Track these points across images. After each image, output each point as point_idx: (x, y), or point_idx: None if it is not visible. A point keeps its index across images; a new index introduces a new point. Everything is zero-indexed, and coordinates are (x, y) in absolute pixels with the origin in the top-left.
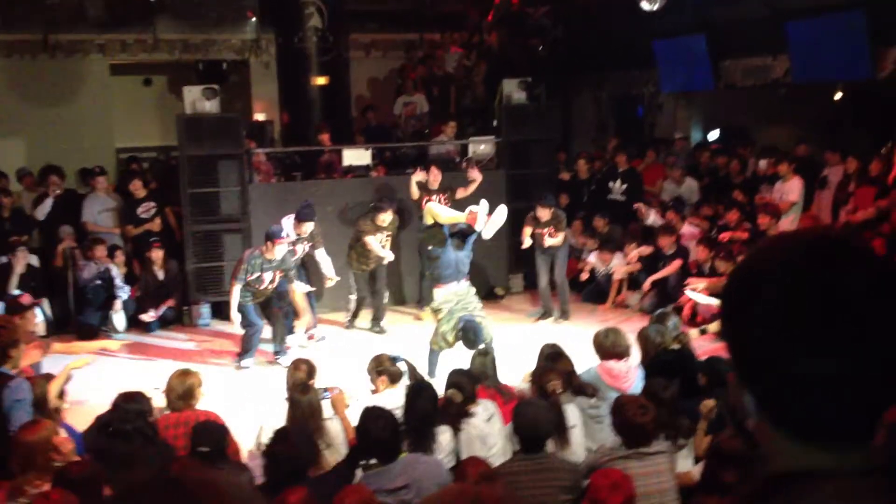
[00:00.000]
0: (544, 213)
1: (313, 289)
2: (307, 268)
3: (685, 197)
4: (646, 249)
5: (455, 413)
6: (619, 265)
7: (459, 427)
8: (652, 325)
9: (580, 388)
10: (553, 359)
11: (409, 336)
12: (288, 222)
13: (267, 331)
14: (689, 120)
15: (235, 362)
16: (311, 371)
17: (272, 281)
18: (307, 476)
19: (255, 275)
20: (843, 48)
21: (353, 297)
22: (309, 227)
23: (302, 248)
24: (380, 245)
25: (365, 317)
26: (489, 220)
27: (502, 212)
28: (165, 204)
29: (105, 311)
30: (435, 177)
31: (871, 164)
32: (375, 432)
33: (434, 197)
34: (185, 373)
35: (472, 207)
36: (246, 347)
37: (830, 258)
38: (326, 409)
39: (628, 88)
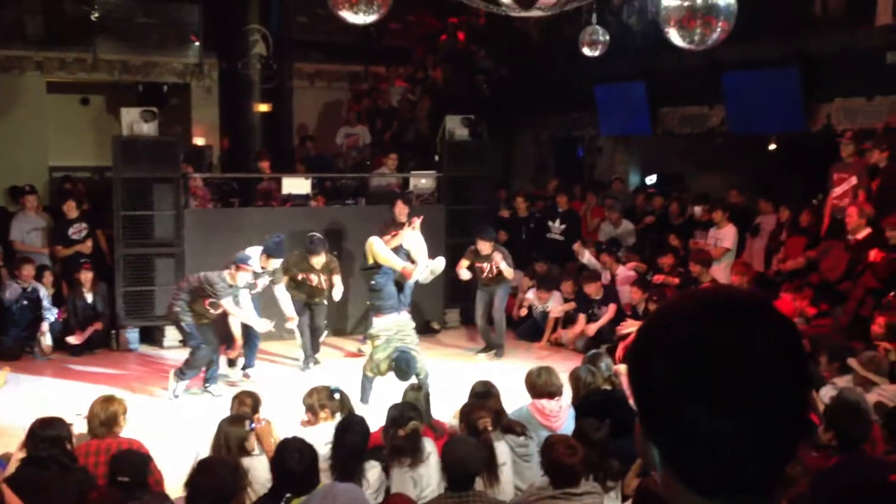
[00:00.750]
0: (484, 247)
1: (272, 327)
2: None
3: (622, 239)
4: (568, 306)
5: (395, 447)
6: (556, 304)
7: (394, 463)
8: (584, 366)
9: (509, 426)
10: (483, 396)
11: (344, 368)
12: (254, 253)
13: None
14: (627, 164)
15: (172, 384)
16: (255, 405)
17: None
18: None
19: (215, 300)
20: (777, 101)
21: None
22: (276, 263)
23: (262, 283)
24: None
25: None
26: (427, 269)
27: (440, 263)
28: (98, 226)
29: (31, 331)
30: (401, 210)
31: (802, 214)
32: (290, 464)
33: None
34: (108, 399)
35: (408, 266)
36: (189, 368)
37: (731, 317)
38: (253, 441)
39: (569, 130)
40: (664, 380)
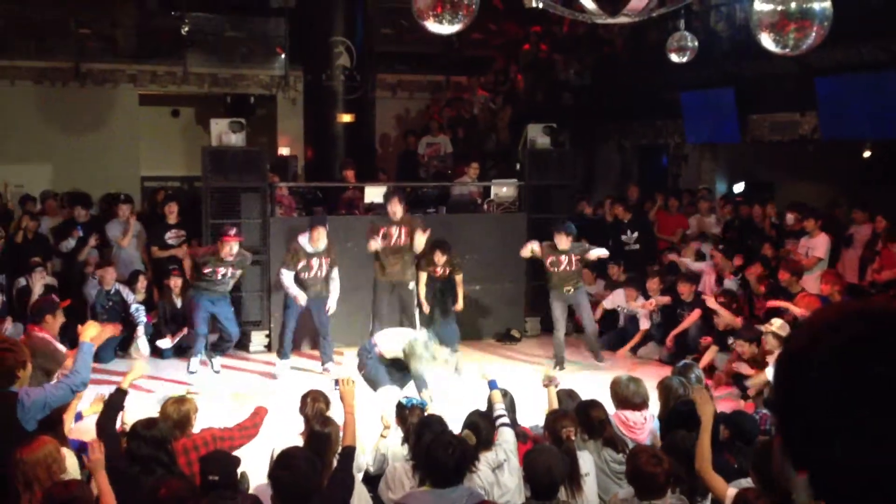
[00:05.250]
0: (562, 241)
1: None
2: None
3: (707, 231)
4: (662, 299)
5: None
6: (644, 305)
7: (469, 470)
8: (675, 377)
9: (611, 440)
10: (589, 406)
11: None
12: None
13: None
14: (714, 172)
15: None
16: (328, 402)
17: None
18: (313, 497)
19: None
20: (872, 106)
21: None
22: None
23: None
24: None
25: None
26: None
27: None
28: (192, 235)
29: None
30: (394, 208)
31: None
32: (444, 459)
33: (394, 229)
34: (179, 400)
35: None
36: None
37: (885, 345)
38: (335, 401)
39: (654, 138)
40: (818, 413)
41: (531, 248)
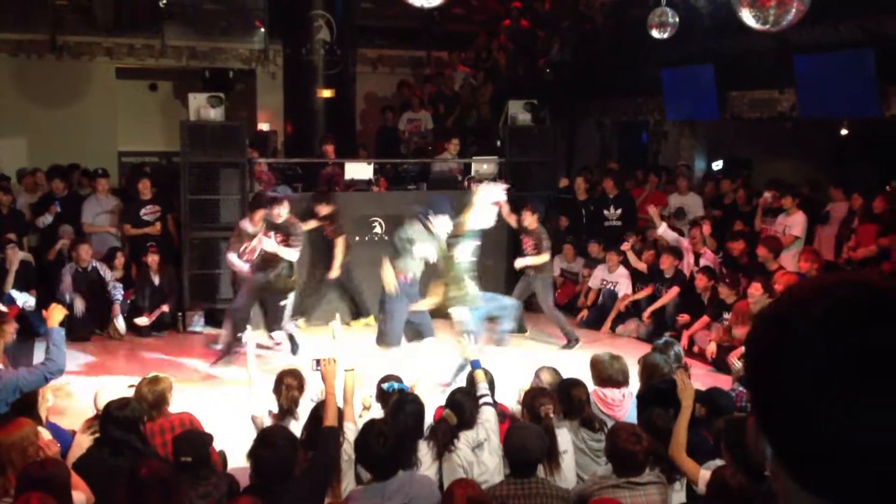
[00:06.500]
0: (529, 219)
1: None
2: None
3: (688, 209)
4: (641, 294)
5: (442, 436)
6: (625, 281)
7: (448, 450)
8: (657, 354)
9: (588, 419)
10: (570, 385)
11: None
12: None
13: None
14: (693, 149)
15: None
16: (301, 387)
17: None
18: (292, 476)
19: None
20: (851, 85)
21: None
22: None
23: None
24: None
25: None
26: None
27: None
28: (166, 210)
29: (98, 311)
30: (531, 220)
31: (875, 200)
32: (375, 449)
33: (525, 238)
34: (154, 380)
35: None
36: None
37: (878, 313)
38: (317, 381)
39: (633, 115)
40: (799, 385)
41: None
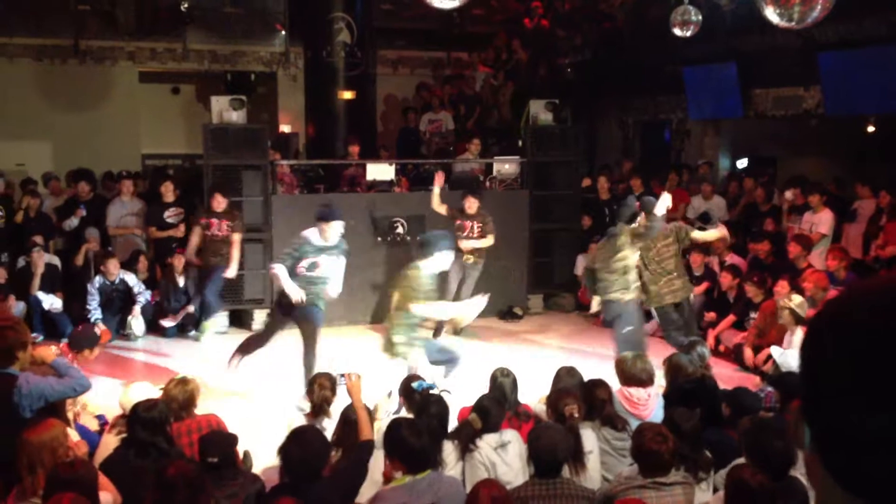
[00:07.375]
0: (471, 205)
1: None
2: None
3: (712, 213)
4: None
5: (465, 437)
6: None
7: (469, 449)
8: (683, 354)
9: (610, 418)
10: (594, 385)
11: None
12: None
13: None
14: (717, 148)
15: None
16: (334, 390)
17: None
18: (322, 475)
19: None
20: (876, 81)
21: None
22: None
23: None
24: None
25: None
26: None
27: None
28: (190, 212)
29: (124, 314)
30: (471, 204)
31: None
32: (411, 441)
33: (468, 223)
34: (183, 380)
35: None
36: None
37: None
38: (342, 395)
39: (655, 114)
40: (837, 372)
41: (437, 194)
